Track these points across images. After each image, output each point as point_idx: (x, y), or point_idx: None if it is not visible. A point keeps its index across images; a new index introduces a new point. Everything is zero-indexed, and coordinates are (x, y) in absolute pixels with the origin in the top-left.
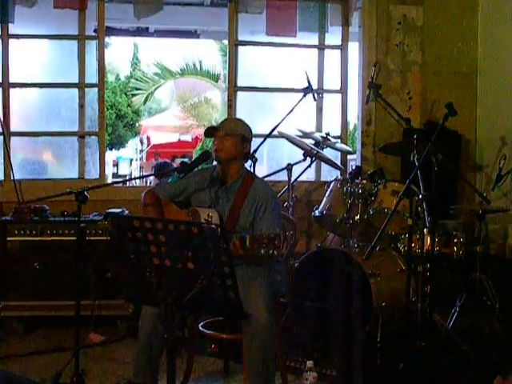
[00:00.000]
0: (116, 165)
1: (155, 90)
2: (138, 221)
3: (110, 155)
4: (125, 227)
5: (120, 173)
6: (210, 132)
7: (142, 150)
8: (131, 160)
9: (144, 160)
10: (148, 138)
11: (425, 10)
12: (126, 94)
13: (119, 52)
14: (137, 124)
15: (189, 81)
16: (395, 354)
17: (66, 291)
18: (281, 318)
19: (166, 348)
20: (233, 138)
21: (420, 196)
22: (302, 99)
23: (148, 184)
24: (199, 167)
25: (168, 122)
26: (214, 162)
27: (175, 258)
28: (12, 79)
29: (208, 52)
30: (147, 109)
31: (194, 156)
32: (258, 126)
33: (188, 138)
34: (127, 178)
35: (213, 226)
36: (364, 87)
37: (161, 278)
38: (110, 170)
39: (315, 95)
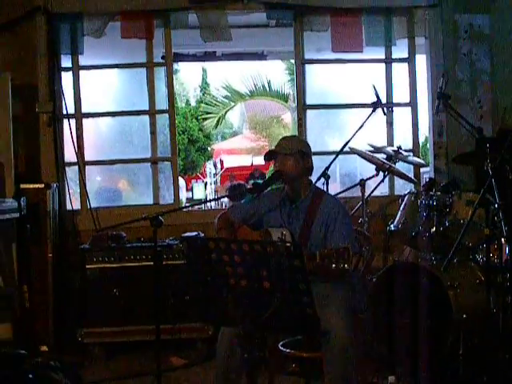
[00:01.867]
0: (191, 189)
1: (226, 113)
2: (212, 242)
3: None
4: (200, 250)
5: (195, 197)
6: (270, 156)
7: (215, 174)
8: (206, 184)
9: (218, 184)
10: (221, 162)
11: (491, 17)
12: (196, 119)
13: (188, 77)
14: (209, 148)
15: (258, 102)
16: (478, 367)
17: (145, 316)
18: (360, 333)
19: (245, 369)
20: (292, 157)
21: (496, 205)
22: (371, 114)
23: (223, 206)
24: (271, 187)
25: (240, 145)
26: None
27: (251, 278)
28: (84, 109)
29: (276, 72)
30: (219, 132)
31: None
32: (329, 143)
33: (261, 160)
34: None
35: (287, 244)
36: (434, 99)
37: (238, 299)
38: (184, 195)
39: (385, 109)
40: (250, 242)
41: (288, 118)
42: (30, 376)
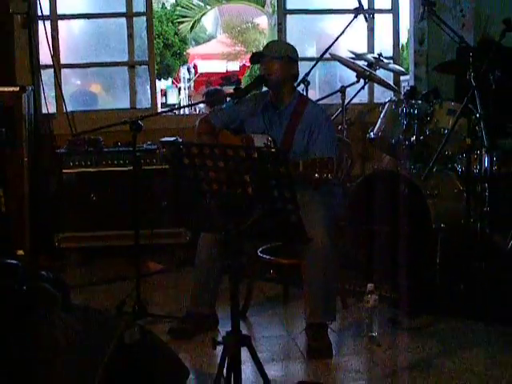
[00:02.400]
0: (164, 94)
1: (201, 16)
2: (196, 147)
3: (158, 85)
4: (183, 154)
5: (169, 102)
6: (256, 58)
7: (189, 79)
8: (179, 89)
9: (192, 89)
10: (195, 67)
11: None
12: (172, 23)
13: None
14: (184, 53)
15: (235, 7)
16: (455, 276)
17: (122, 221)
18: (339, 241)
19: (229, 275)
20: (279, 61)
21: (477, 115)
22: (352, 20)
23: (198, 112)
24: (253, 92)
25: (215, 50)
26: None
27: (234, 184)
28: (59, 11)
29: None
30: (194, 37)
31: (243, 83)
32: (309, 50)
33: (236, 66)
34: (176, 106)
35: (273, 150)
36: (415, 6)
37: (220, 204)
38: (159, 100)
39: (366, 16)
40: (234, 147)
41: (264, 23)
42: (24, 288)
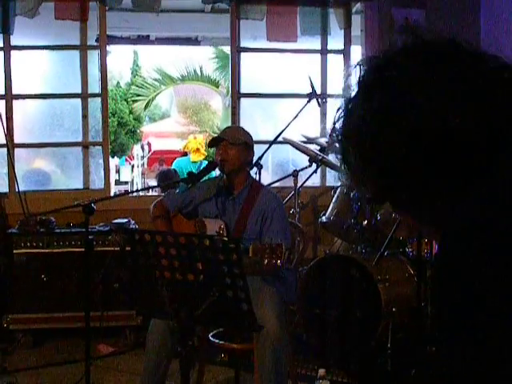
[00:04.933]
0: (118, 171)
1: (156, 95)
2: (148, 235)
3: (112, 162)
4: (135, 241)
5: (122, 179)
6: (213, 142)
7: (143, 157)
8: (132, 166)
9: (145, 166)
10: (149, 145)
11: (427, 13)
12: (126, 101)
13: (119, 59)
14: (138, 131)
15: (189, 87)
16: (406, 360)
17: (73, 303)
18: (290, 325)
19: (180, 360)
20: (237, 147)
21: None
22: (306, 105)
23: (150, 193)
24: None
25: (169, 128)
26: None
27: (187, 271)
28: (15, 91)
29: (208, 58)
30: (149, 114)
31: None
32: (262, 133)
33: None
34: (129, 184)
35: (225, 238)
36: None
37: (172, 292)
38: (112, 177)
39: (319, 100)
40: (187, 235)
41: (218, 103)
42: None
